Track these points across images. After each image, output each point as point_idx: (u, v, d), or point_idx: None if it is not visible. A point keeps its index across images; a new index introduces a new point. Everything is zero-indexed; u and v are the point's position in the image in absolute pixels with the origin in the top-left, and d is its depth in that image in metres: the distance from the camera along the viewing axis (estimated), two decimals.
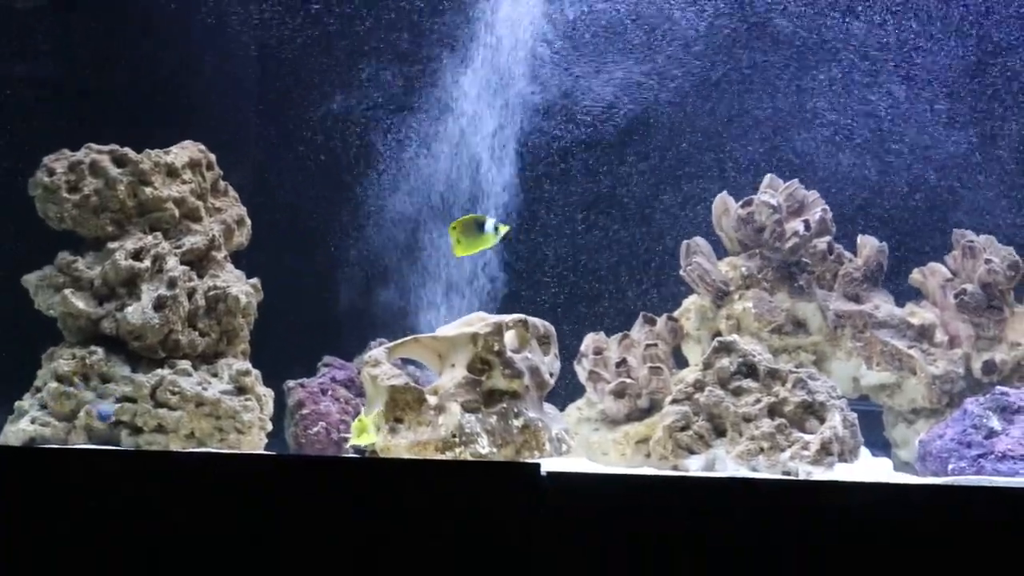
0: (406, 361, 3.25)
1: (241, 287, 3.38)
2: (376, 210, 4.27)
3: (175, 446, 3.21)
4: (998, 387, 3.35)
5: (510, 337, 3.06)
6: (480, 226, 3.32)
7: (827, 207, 3.64)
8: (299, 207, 4.27)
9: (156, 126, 3.92)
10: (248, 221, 3.58)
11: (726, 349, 3.26)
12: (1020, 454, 3.17)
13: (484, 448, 2.90)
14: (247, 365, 3.35)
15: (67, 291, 3.29)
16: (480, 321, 3.03)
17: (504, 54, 4.30)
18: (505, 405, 2.99)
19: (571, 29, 4.39)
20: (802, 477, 3.03)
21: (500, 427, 2.96)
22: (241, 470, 2.52)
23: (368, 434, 2.94)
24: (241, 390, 3.28)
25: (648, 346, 3.39)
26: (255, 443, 3.34)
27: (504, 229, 3.33)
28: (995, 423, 3.25)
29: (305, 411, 3.52)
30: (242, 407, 3.24)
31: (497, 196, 4.23)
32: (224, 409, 3.24)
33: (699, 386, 3.21)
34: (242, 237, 3.56)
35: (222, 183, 3.63)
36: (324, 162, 4.31)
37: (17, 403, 3.27)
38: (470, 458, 2.87)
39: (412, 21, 4.33)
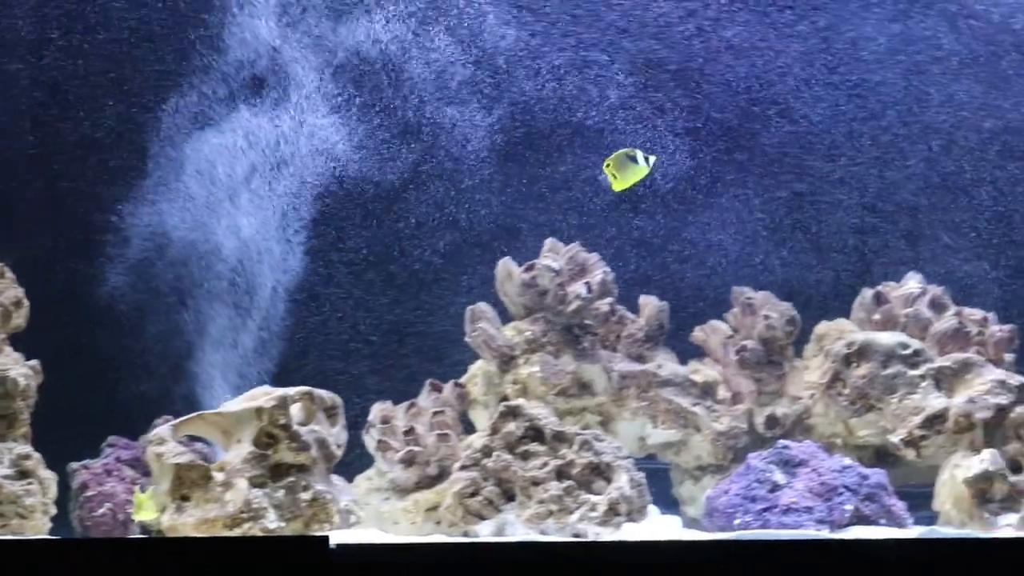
0: (194, 439, 3.56)
1: (20, 370, 3.64)
2: (158, 292, 4.58)
3: None
4: (780, 441, 3.87)
5: (296, 410, 3.42)
6: (632, 159, 3.73)
7: (608, 269, 4.13)
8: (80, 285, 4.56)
9: None
10: (26, 303, 3.81)
11: (513, 413, 3.69)
12: (804, 506, 3.68)
13: (272, 523, 3.24)
14: (28, 448, 3.60)
15: None
16: (265, 395, 3.38)
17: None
18: (293, 478, 3.34)
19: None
20: (591, 538, 3.47)
21: (288, 501, 3.31)
22: (24, 555, 2.78)
23: (147, 510, 3.24)
24: (23, 474, 3.53)
25: (435, 413, 3.81)
26: (39, 527, 3.58)
27: (653, 158, 3.75)
28: (779, 477, 3.76)
29: (90, 493, 3.79)
30: (24, 491, 3.50)
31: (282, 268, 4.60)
32: (5, 494, 3.48)
33: (487, 451, 3.63)
34: (20, 319, 3.80)
35: None
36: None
37: None
38: (259, 533, 3.20)
39: None
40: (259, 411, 3.36)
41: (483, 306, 4.10)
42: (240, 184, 4.51)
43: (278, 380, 3.86)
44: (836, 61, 4.97)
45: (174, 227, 4.52)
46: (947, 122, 5.00)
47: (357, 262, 4.85)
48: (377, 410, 3.84)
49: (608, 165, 3.93)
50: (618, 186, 3.94)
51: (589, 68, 4.91)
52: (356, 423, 3.79)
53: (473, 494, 3.58)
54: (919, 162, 5.03)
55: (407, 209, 4.89)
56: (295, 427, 3.38)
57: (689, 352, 4.28)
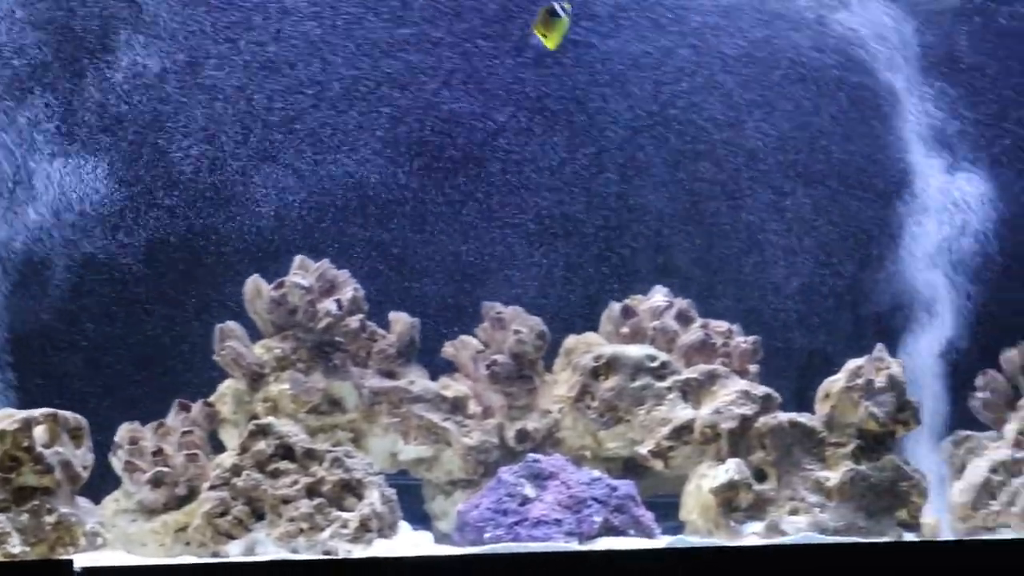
0: None
1: None
2: None
3: None
4: (531, 455, 4.29)
5: (40, 432, 3.69)
6: (553, 14, 4.01)
7: (358, 286, 4.51)
8: None
9: None
10: None
11: (262, 432, 4.03)
12: (554, 519, 4.10)
13: (16, 547, 3.51)
14: None
15: None
16: (8, 418, 3.64)
17: None
18: (37, 502, 3.62)
19: None
20: (342, 555, 3.82)
21: (32, 524, 3.59)
22: None
23: None
24: None
25: (184, 433, 4.10)
26: None
27: (568, 5, 4.06)
28: (529, 490, 4.18)
29: None
30: None
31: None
32: None
33: (236, 470, 3.96)
34: None
35: None
36: None
37: None
38: (2, 559, 3.46)
39: None
40: (2, 434, 3.62)
41: (232, 324, 4.42)
42: None
43: (23, 403, 4.14)
44: (582, 77, 5.49)
45: None
46: (691, 136, 5.57)
47: (103, 280, 5.11)
48: (124, 431, 4.09)
49: (537, 28, 4.30)
50: (551, 43, 4.31)
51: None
52: (103, 444, 4.06)
53: (222, 514, 3.89)
54: (664, 175, 5.57)
55: (150, 226, 5.19)
56: (39, 449, 3.65)
57: (440, 368, 4.68)
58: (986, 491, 4.70)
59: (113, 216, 5.07)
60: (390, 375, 4.53)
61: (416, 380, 4.53)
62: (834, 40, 5.50)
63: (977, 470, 4.76)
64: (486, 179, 5.50)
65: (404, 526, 4.11)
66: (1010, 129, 5.74)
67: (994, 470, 4.72)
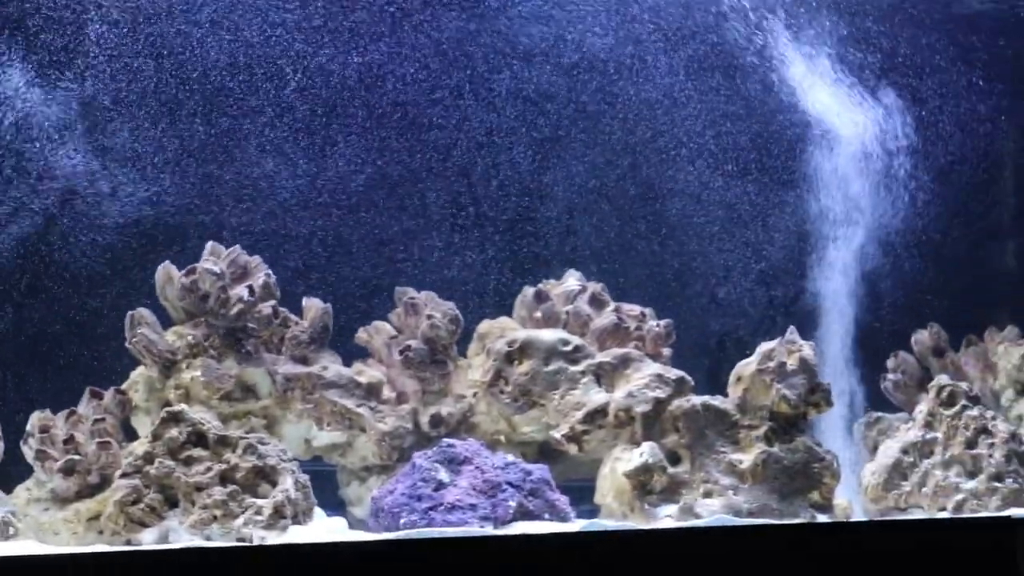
0: None
1: None
2: None
3: None
4: (445, 440, 4.40)
5: None
6: None
7: (270, 272, 4.59)
8: None
9: None
10: None
11: (174, 419, 4.09)
12: (468, 503, 4.20)
13: None
14: None
15: None
16: None
17: None
18: None
19: None
20: (256, 542, 3.91)
21: None
22: None
23: None
24: None
25: (96, 421, 4.18)
26: None
27: None
28: (443, 475, 4.28)
29: None
30: None
31: None
32: None
33: (149, 458, 4.02)
34: None
35: None
36: None
37: None
38: None
39: None
40: None
41: (143, 311, 4.48)
42: None
43: None
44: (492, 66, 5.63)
45: None
46: (601, 123, 5.72)
47: (10, 269, 5.16)
48: (35, 419, 4.15)
49: None
50: None
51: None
52: (15, 433, 4.14)
53: (135, 502, 3.96)
54: (577, 162, 5.71)
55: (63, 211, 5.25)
56: None
57: (354, 353, 4.77)
58: (897, 472, 4.86)
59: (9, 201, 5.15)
60: (303, 361, 4.61)
61: (329, 366, 4.61)
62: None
63: (889, 451, 4.93)
64: (398, 165, 5.60)
65: (319, 512, 4.20)
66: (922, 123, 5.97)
67: (905, 451, 4.89)
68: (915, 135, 5.90)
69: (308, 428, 4.57)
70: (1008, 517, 4.52)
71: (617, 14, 5.64)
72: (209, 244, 4.60)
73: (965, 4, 6.11)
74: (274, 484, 4.07)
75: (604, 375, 4.69)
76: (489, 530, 4.11)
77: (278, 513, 3.99)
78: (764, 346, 4.63)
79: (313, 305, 4.70)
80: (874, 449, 5.05)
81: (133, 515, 3.96)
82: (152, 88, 5.28)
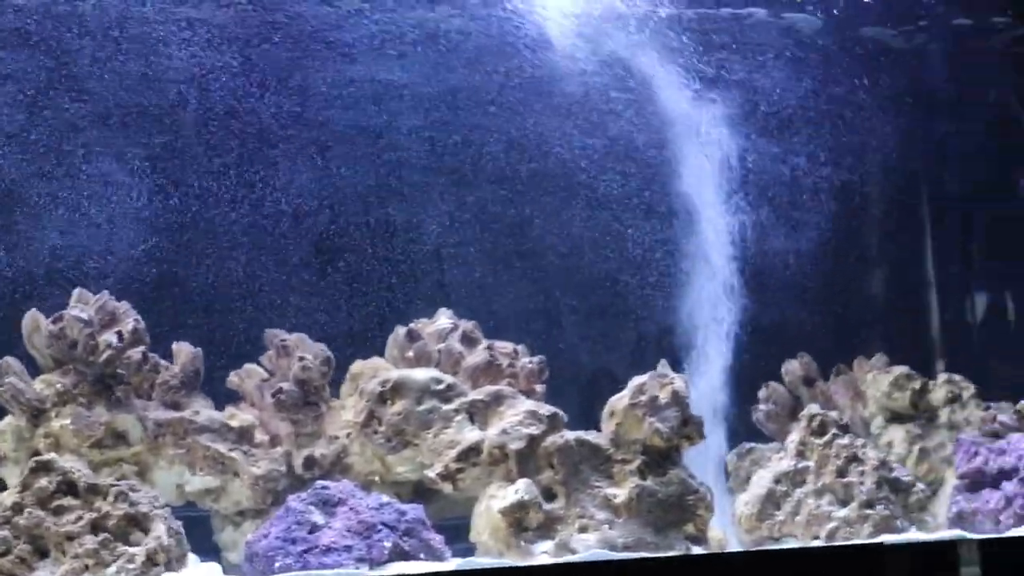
0: None
1: None
2: None
3: None
4: (319, 482, 4.51)
5: None
6: None
7: (139, 317, 4.70)
8: None
9: None
10: None
11: (44, 468, 4.19)
12: (344, 545, 4.30)
13: None
14: None
15: None
16: None
17: None
18: None
19: None
20: None
21: None
22: None
23: None
24: None
25: None
26: None
27: None
28: (318, 518, 4.38)
29: None
30: None
31: None
32: None
33: (18, 508, 4.11)
34: None
35: None
36: None
37: None
38: None
39: None
40: None
41: (10, 360, 4.56)
42: None
43: None
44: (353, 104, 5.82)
45: None
46: (471, 157, 5.90)
47: None
48: None
49: None
50: None
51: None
52: None
53: (5, 553, 4.03)
54: (447, 200, 5.87)
55: None
56: None
57: (226, 398, 4.89)
58: (771, 502, 5.07)
59: None
60: (175, 406, 4.71)
61: (201, 410, 4.72)
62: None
63: (761, 481, 5.14)
64: (268, 205, 5.75)
65: (192, 559, 4.31)
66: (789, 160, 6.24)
67: (778, 481, 5.10)
68: (784, 165, 6.16)
69: (180, 474, 4.66)
70: (880, 544, 4.74)
71: (481, 51, 5.82)
72: (76, 291, 4.69)
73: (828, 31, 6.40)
74: (146, 531, 4.17)
75: (477, 413, 4.84)
76: (365, 572, 4.23)
77: (151, 561, 4.10)
78: (636, 380, 4.80)
79: (183, 350, 4.81)
80: (746, 480, 5.27)
81: (3, 567, 4.03)
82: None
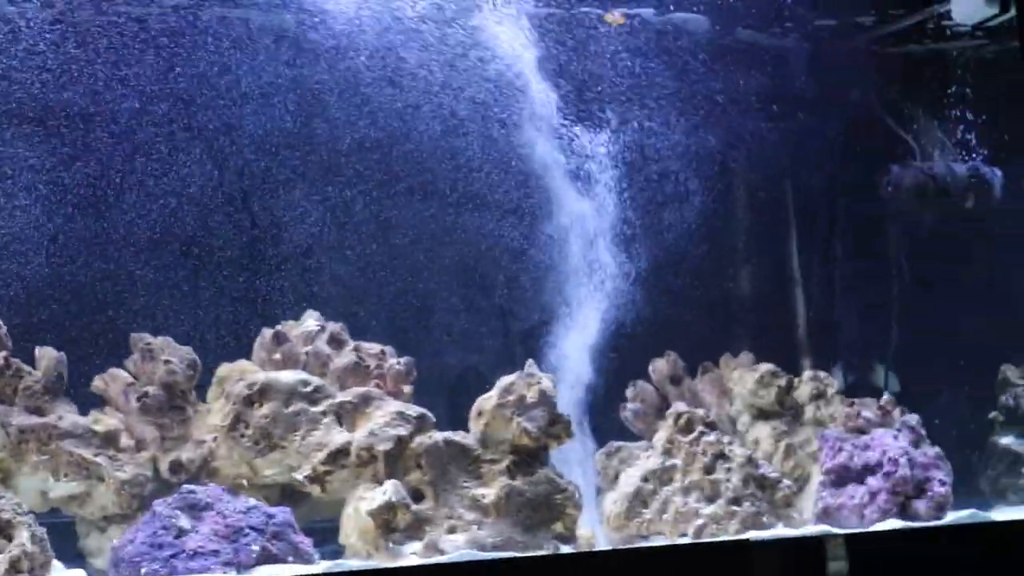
0: None
1: None
2: None
3: None
4: (186, 486, 4.55)
5: None
6: None
7: (0, 322, 4.73)
8: None
9: None
10: None
11: None
12: (211, 550, 4.35)
13: None
14: None
15: None
16: None
17: None
18: None
19: None
20: None
21: None
22: None
23: None
24: None
25: None
26: None
27: None
28: (184, 522, 4.41)
29: None
30: None
31: None
32: None
33: None
34: None
35: None
36: None
37: None
38: None
39: None
40: None
41: None
42: None
43: None
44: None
45: None
46: (336, 157, 5.98)
47: None
48: None
49: None
50: None
51: None
52: None
53: None
54: (312, 201, 5.92)
55: None
56: None
57: (90, 402, 4.89)
58: (639, 500, 5.21)
59: None
60: (38, 411, 4.71)
61: (65, 415, 4.72)
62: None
63: (629, 480, 5.28)
64: (130, 207, 5.75)
65: (57, 565, 4.33)
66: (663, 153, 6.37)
67: (646, 479, 5.25)
68: (649, 162, 6.28)
69: (44, 479, 4.65)
70: (747, 540, 4.90)
71: (354, 51, 5.87)
72: None
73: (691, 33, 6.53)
74: (10, 538, 4.19)
75: (345, 415, 4.91)
76: None
77: (14, 568, 4.11)
78: (504, 380, 4.91)
79: (46, 354, 4.80)
80: (615, 478, 5.39)
81: None
82: None
